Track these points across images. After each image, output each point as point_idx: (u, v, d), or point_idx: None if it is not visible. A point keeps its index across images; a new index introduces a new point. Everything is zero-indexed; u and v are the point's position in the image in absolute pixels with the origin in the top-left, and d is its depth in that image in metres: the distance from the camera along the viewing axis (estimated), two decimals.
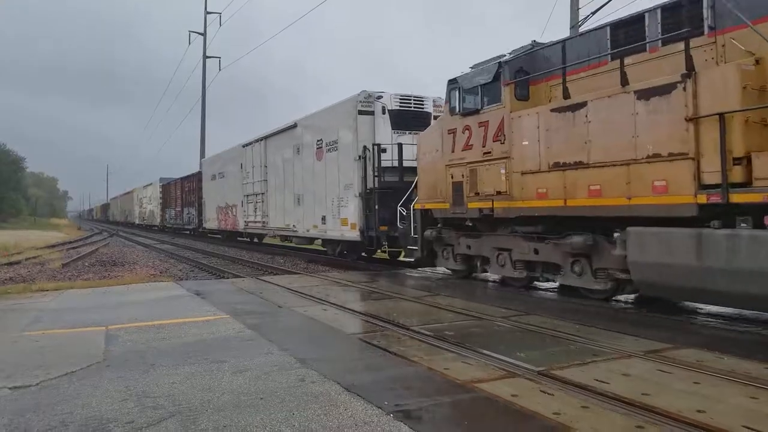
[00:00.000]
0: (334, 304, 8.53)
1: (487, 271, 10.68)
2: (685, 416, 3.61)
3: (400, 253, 14.29)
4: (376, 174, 13.60)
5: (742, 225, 5.98)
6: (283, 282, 11.39)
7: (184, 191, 34.70)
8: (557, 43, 8.85)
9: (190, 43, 42.92)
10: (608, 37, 7.99)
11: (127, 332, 6.61)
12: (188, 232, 35.57)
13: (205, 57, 42.69)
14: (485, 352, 5.38)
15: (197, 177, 31.72)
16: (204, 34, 42.79)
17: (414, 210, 11.94)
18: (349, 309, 8.06)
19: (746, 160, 6.12)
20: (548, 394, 4.16)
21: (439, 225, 11.47)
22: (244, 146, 22.64)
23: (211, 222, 28.45)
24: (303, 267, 15.59)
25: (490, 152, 9.55)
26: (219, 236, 29.26)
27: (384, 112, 14.09)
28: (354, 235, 14.38)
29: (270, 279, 12.18)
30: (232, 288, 10.73)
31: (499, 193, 9.37)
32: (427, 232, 11.56)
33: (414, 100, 14.59)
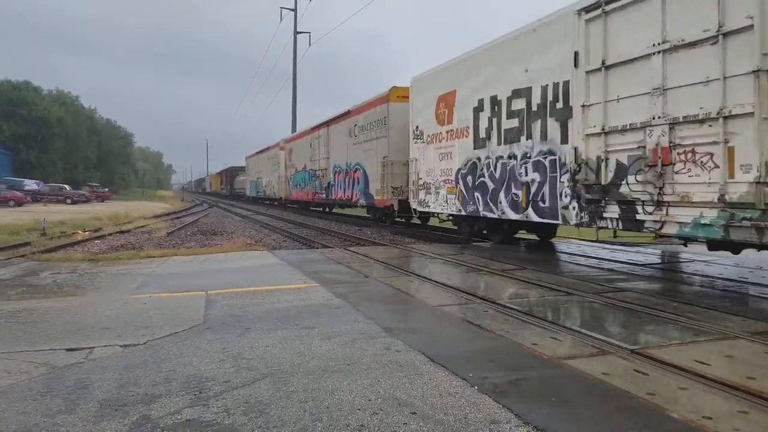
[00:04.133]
0: (419, 275, 8.57)
1: None
2: None
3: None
4: None
5: None
6: (369, 253, 11.59)
7: None
8: None
9: (281, 19, 44.02)
10: None
11: (224, 297, 6.99)
12: None
13: (296, 33, 43.67)
14: (575, 328, 5.22)
15: None
16: (295, 10, 43.71)
17: None
18: (435, 281, 8.07)
19: None
20: (642, 373, 3.97)
21: None
22: None
23: None
24: (389, 239, 15.76)
25: None
26: None
27: None
28: None
29: (357, 250, 12.42)
30: (322, 258, 11.03)
31: None
32: None
33: None
